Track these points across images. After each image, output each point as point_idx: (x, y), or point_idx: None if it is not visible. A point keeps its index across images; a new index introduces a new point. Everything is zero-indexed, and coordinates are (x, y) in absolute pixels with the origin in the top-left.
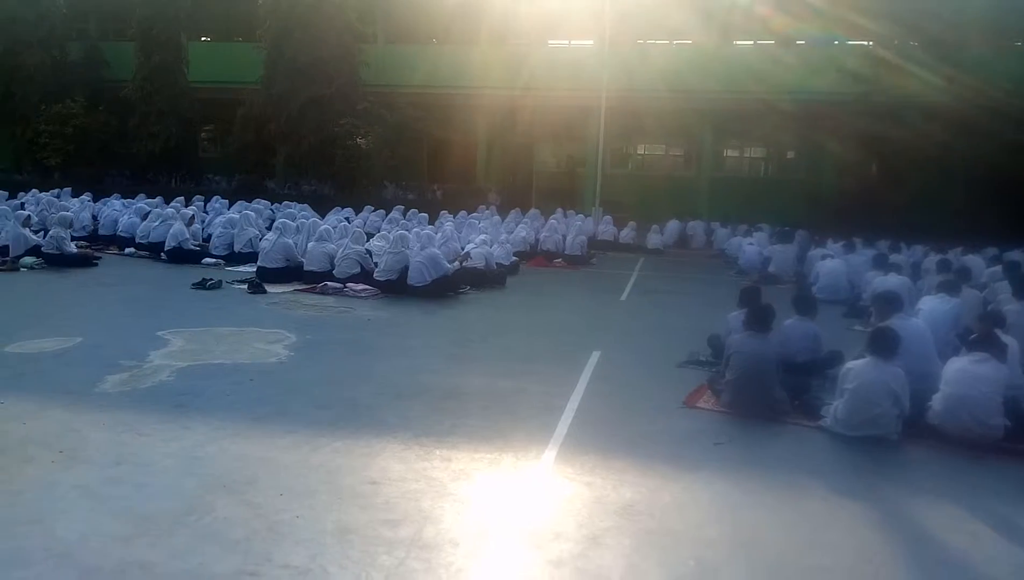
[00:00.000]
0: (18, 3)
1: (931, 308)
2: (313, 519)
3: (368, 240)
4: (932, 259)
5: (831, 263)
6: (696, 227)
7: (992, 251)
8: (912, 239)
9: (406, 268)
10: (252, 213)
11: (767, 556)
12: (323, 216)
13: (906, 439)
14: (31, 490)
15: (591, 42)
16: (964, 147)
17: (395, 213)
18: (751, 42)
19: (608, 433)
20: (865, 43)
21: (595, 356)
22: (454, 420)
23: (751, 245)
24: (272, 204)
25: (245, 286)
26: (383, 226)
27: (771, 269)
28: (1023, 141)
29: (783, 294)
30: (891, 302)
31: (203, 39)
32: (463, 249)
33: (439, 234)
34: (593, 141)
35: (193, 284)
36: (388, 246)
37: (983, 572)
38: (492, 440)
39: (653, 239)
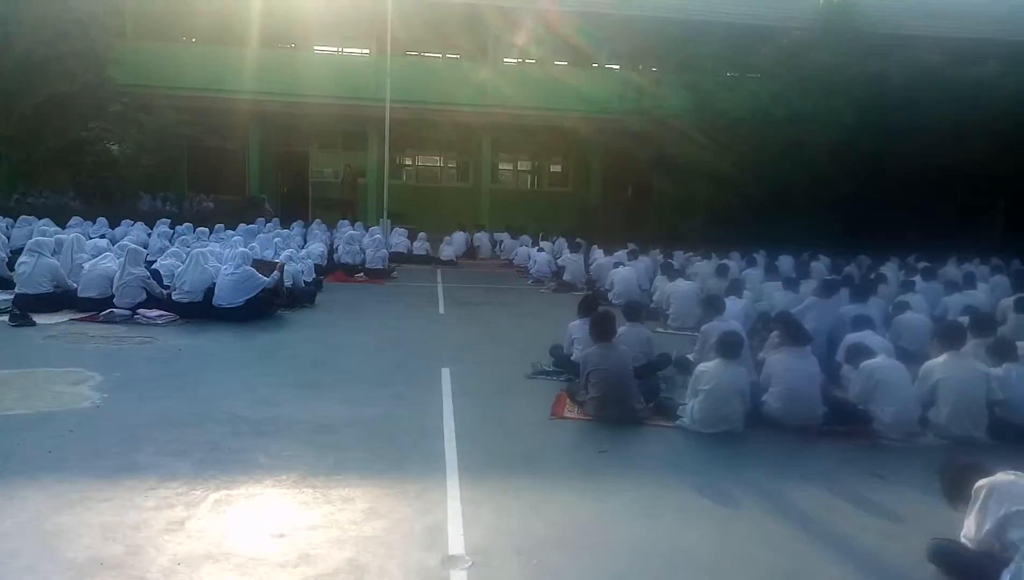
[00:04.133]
0: None
1: (729, 307)
2: None
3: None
4: (705, 264)
5: (623, 270)
6: (482, 238)
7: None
8: (666, 245)
9: (210, 289)
10: None
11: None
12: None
13: (748, 430)
14: None
15: (365, 51)
16: (710, 161)
17: (162, 227)
18: (517, 60)
19: (498, 452)
20: (615, 67)
21: (446, 373)
22: (336, 455)
23: (541, 253)
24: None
25: (6, 318)
26: (151, 241)
27: (566, 277)
28: (756, 159)
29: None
30: (714, 305)
31: None
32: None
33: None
34: (374, 151)
35: None
36: (187, 265)
37: (865, 544)
38: (386, 472)
39: (446, 250)
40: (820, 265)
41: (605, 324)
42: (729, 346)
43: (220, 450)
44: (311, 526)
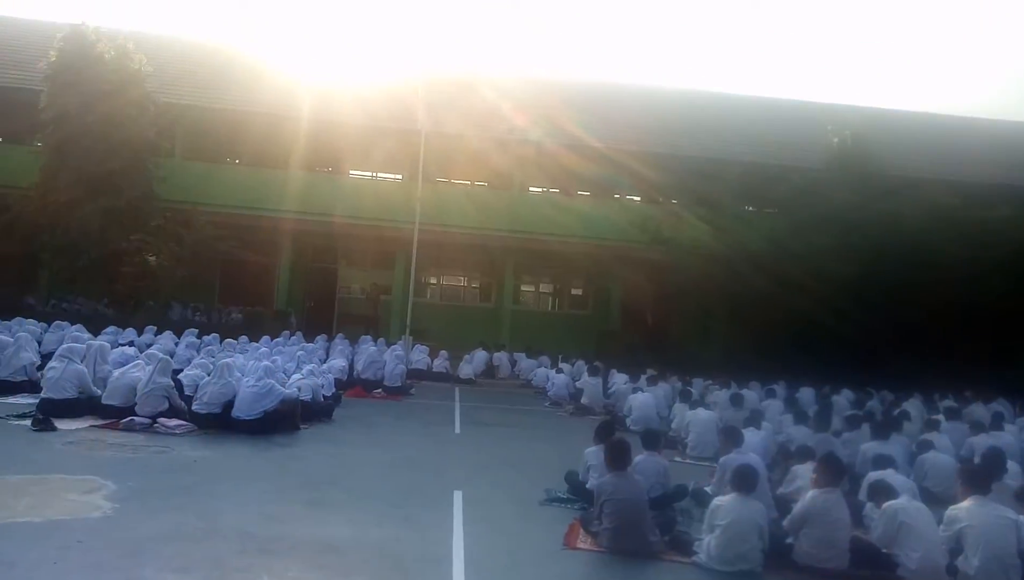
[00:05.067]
0: None
1: (749, 439)
2: None
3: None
4: (723, 393)
5: (642, 396)
6: (501, 358)
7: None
8: (684, 371)
9: (230, 401)
10: (28, 334)
11: None
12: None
13: (767, 570)
14: None
15: (398, 176)
16: (729, 292)
17: (190, 337)
18: (542, 189)
19: None
20: (636, 198)
21: (458, 496)
22: (340, 579)
23: (560, 375)
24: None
25: (28, 422)
26: (179, 351)
27: (584, 401)
28: (774, 291)
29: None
30: (731, 437)
31: None
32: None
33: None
34: (400, 270)
35: None
36: (212, 376)
37: None
38: None
39: (464, 369)
40: (842, 399)
41: (620, 452)
42: (744, 480)
43: (224, 568)
44: None
